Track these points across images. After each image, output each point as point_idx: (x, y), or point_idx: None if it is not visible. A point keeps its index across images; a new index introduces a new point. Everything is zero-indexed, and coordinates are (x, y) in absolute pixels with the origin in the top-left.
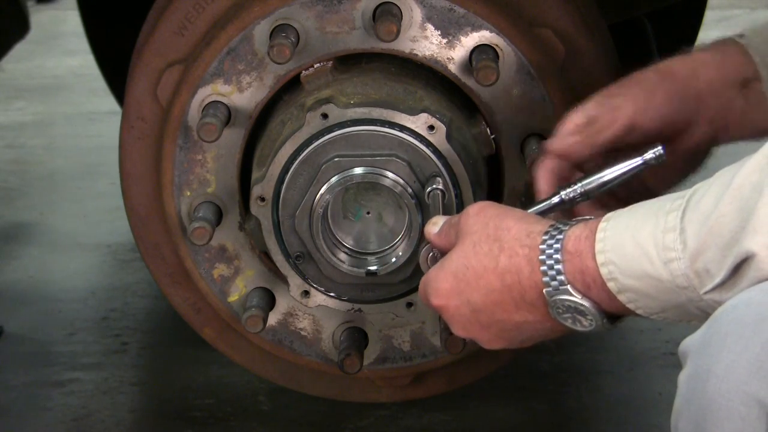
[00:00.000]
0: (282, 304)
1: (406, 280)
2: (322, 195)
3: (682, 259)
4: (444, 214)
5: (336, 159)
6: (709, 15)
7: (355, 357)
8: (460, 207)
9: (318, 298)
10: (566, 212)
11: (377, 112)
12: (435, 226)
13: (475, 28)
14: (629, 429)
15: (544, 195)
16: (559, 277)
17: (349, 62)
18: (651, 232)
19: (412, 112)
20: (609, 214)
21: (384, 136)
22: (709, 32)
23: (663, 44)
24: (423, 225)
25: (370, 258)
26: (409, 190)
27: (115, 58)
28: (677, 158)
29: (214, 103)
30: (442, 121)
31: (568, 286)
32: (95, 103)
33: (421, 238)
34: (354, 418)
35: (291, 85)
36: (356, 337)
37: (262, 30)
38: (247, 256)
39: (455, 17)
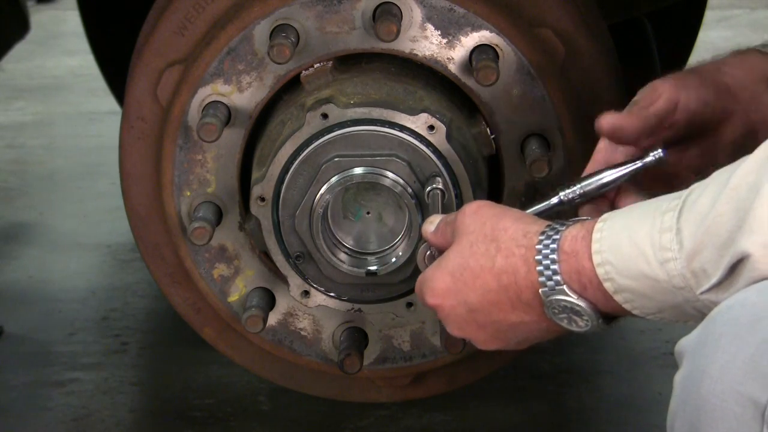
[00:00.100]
0: (282, 304)
1: (406, 280)
2: (322, 195)
3: (678, 260)
4: (443, 213)
5: (336, 159)
6: (709, 15)
7: (355, 357)
8: (460, 207)
9: (318, 298)
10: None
11: (377, 112)
12: (432, 224)
13: (475, 28)
14: (629, 429)
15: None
16: (555, 278)
17: (349, 62)
18: (648, 232)
19: (412, 112)
20: (605, 215)
21: (384, 136)
22: (709, 32)
23: (663, 44)
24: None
25: (370, 258)
26: (409, 190)
27: (115, 58)
28: (720, 152)
29: (214, 103)
30: (442, 121)
31: (564, 287)
32: (95, 103)
33: (421, 238)
34: (354, 418)
35: (291, 85)
36: (356, 337)
37: (262, 30)
38: (247, 256)
39: (455, 17)
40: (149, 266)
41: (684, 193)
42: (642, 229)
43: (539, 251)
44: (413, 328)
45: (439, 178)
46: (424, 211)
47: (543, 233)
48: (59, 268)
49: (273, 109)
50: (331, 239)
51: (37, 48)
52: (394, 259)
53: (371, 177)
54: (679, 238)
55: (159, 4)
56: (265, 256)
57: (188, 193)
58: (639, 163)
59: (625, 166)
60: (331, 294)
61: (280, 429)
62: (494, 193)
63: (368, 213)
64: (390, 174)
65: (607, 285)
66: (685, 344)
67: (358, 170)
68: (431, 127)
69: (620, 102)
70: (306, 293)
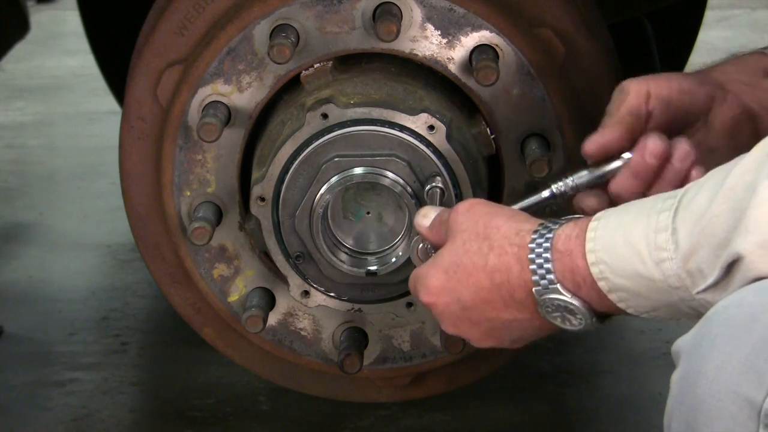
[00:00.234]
0: (282, 304)
1: (406, 280)
2: (322, 195)
3: (674, 259)
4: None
5: (336, 159)
6: (709, 15)
7: (355, 357)
8: None
9: (318, 298)
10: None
11: (377, 112)
12: (425, 218)
13: (475, 28)
14: (629, 429)
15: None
16: (548, 276)
17: (349, 62)
18: (642, 231)
19: (412, 112)
20: (599, 213)
21: (384, 136)
22: (709, 32)
23: (663, 44)
24: None
25: (370, 258)
26: (409, 190)
27: (115, 58)
28: (714, 138)
29: (214, 103)
30: (442, 121)
31: (558, 285)
32: (95, 103)
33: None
34: (354, 418)
35: (291, 85)
36: (356, 337)
37: (262, 30)
38: (247, 256)
39: (455, 17)
40: (149, 266)
41: (679, 192)
42: (637, 228)
43: (532, 250)
44: (413, 328)
45: (438, 178)
46: None
47: (536, 232)
48: (59, 268)
49: (273, 109)
50: (331, 239)
51: (37, 48)
52: (394, 259)
53: (371, 177)
54: (674, 238)
55: (159, 4)
56: (265, 256)
57: (188, 193)
58: (629, 154)
59: (616, 159)
60: (331, 294)
61: (280, 429)
62: (494, 193)
63: (368, 213)
64: (390, 174)
65: (601, 284)
66: (681, 344)
67: (358, 170)
68: (431, 127)
69: None
70: (306, 293)
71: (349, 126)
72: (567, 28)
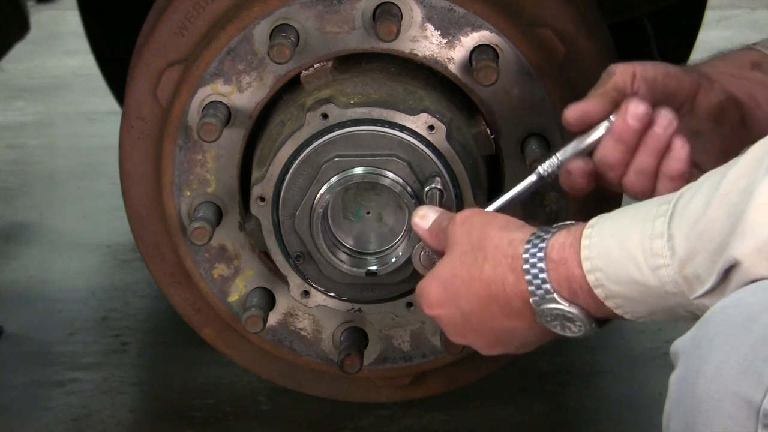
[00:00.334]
0: (282, 304)
1: (406, 280)
2: (322, 195)
3: (670, 266)
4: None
5: (336, 159)
6: (709, 15)
7: (355, 357)
8: (460, 207)
9: (318, 298)
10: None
11: (377, 112)
12: (423, 219)
13: (475, 28)
14: (629, 429)
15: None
16: (544, 286)
17: (349, 62)
18: (638, 238)
19: (412, 112)
20: (592, 220)
21: (384, 136)
22: (709, 32)
23: (663, 44)
24: None
25: (370, 258)
26: (409, 189)
27: (115, 58)
28: (699, 123)
29: (214, 103)
30: (442, 121)
31: (554, 295)
32: (95, 103)
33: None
34: (354, 418)
35: (291, 85)
36: (356, 337)
37: (262, 30)
38: (247, 256)
39: (455, 17)
40: (149, 266)
41: (674, 197)
42: (632, 234)
43: (526, 260)
44: (413, 328)
45: (438, 178)
46: None
47: (529, 242)
48: (59, 268)
49: (273, 109)
50: (331, 239)
51: (37, 48)
52: (394, 259)
53: (371, 177)
54: (671, 244)
55: (159, 4)
56: (265, 256)
57: (188, 193)
58: (606, 123)
59: (597, 128)
60: (331, 294)
61: (280, 429)
62: (494, 193)
63: (368, 213)
64: (390, 174)
65: (597, 291)
66: (680, 345)
67: (358, 170)
68: (431, 127)
69: None
70: (306, 293)
71: (349, 126)
72: (567, 28)
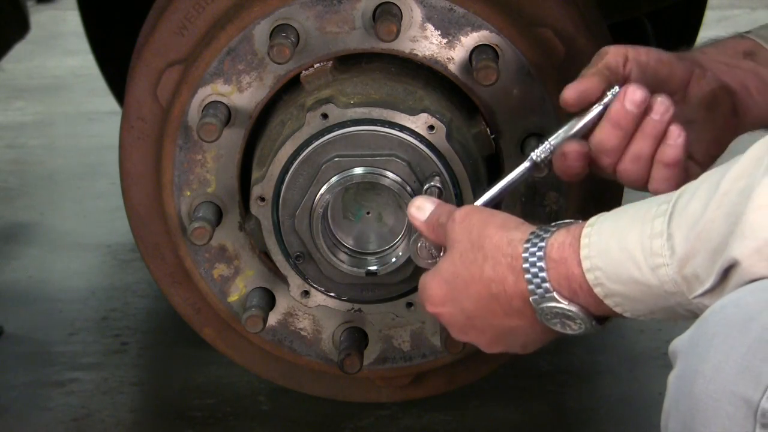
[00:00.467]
0: (282, 304)
1: (406, 280)
2: (322, 195)
3: (670, 265)
4: None
5: (336, 159)
6: (709, 15)
7: (355, 357)
8: (460, 207)
9: (318, 298)
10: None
11: (377, 112)
12: (420, 210)
13: (475, 28)
14: (629, 429)
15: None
16: (544, 285)
17: (349, 62)
18: (637, 237)
19: (412, 112)
20: (592, 219)
21: (384, 136)
22: (709, 32)
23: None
24: None
25: (370, 258)
26: (409, 189)
27: (115, 58)
28: (694, 109)
29: (214, 103)
30: (442, 121)
31: (554, 293)
32: (95, 103)
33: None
34: (354, 418)
35: (291, 85)
36: (356, 337)
37: (262, 30)
38: (247, 256)
39: (455, 17)
40: (149, 266)
41: (673, 196)
42: (631, 234)
43: (526, 260)
44: (413, 328)
45: (437, 177)
46: None
47: (528, 241)
48: (59, 268)
49: (273, 109)
50: (331, 239)
51: (37, 48)
52: (394, 259)
53: (371, 177)
54: (670, 244)
55: (159, 4)
56: (265, 256)
57: (188, 193)
58: (600, 106)
59: (588, 113)
60: (331, 294)
61: (280, 429)
62: None
63: (368, 213)
64: (390, 174)
65: (597, 290)
66: (678, 344)
67: (358, 170)
68: (431, 127)
69: None
70: (306, 293)
71: (349, 126)
72: (567, 28)
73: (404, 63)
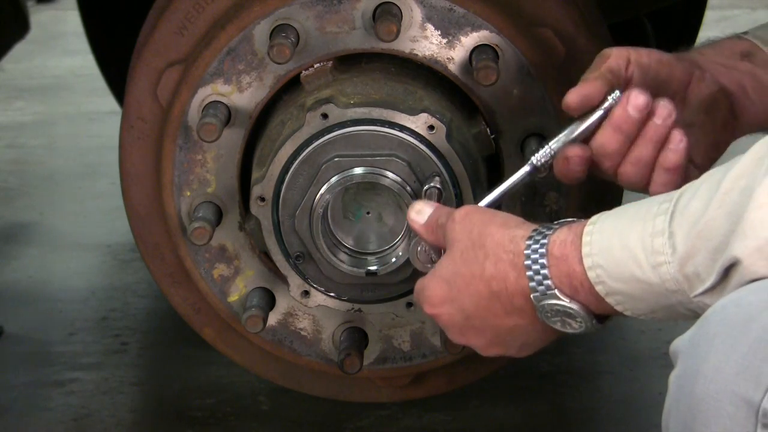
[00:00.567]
0: (282, 304)
1: (406, 280)
2: (322, 195)
3: (671, 263)
4: None
5: (336, 159)
6: (709, 15)
7: (355, 357)
8: (460, 207)
9: (318, 298)
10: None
11: (377, 112)
12: (419, 214)
13: (475, 28)
14: (629, 429)
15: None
16: (545, 282)
17: (349, 62)
18: (639, 235)
19: (412, 112)
20: (594, 218)
21: (384, 136)
22: (709, 32)
23: (663, 44)
24: None
25: (370, 258)
26: (409, 189)
27: (115, 58)
28: (693, 111)
29: (214, 103)
30: (442, 121)
31: (555, 291)
32: (95, 103)
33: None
34: (354, 418)
35: (291, 85)
36: (356, 337)
37: (262, 30)
38: (247, 256)
39: (455, 17)
40: (149, 266)
41: (675, 195)
42: (633, 232)
43: (528, 256)
44: (413, 328)
45: (437, 178)
46: None
47: (530, 238)
48: (59, 268)
49: (273, 109)
50: (331, 239)
51: (37, 48)
52: (394, 259)
53: (371, 177)
54: (671, 242)
55: (159, 4)
56: (265, 256)
57: (188, 193)
58: (601, 111)
59: (589, 116)
60: (331, 294)
61: (280, 429)
62: None
63: (368, 213)
64: (390, 174)
65: (598, 288)
66: (679, 344)
67: (358, 170)
68: (431, 127)
69: None
70: (306, 293)
71: (349, 126)
72: (567, 28)
73: (404, 63)
